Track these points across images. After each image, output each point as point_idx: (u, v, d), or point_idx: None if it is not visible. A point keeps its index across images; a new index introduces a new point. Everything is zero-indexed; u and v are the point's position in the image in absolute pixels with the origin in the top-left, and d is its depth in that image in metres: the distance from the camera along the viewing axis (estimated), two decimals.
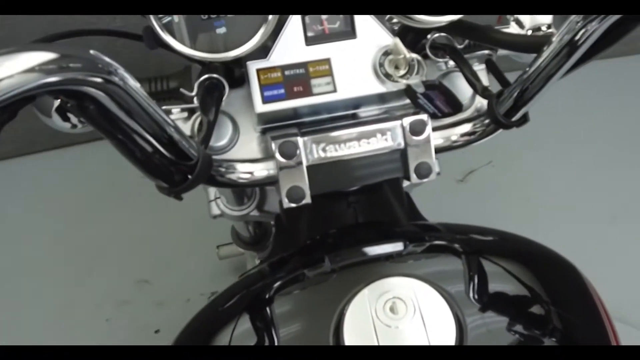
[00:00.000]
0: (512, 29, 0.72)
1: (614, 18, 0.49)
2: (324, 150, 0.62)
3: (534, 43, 0.58)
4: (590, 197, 1.93)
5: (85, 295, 1.75)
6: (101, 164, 1.83)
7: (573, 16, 0.52)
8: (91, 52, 0.42)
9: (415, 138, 0.62)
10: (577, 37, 0.52)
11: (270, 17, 0.59)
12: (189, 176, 0.56)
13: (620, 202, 1.93)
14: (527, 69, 0.58)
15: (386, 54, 0.62)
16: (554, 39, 0.54)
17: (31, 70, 0.37)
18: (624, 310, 1.77)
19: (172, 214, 1.71)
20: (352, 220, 0.69)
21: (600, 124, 2.08)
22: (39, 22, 1.46)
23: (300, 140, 0.61)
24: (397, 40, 0.60)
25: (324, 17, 0.62)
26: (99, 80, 0.41)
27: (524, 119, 0.63)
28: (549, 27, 0.71)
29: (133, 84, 0.46)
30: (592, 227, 1.87)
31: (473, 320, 0.57)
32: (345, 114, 0.66)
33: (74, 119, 0.65)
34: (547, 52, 0.55)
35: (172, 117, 0.64)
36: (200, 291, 1.74)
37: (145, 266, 1.81)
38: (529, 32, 0.72)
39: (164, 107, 0.63)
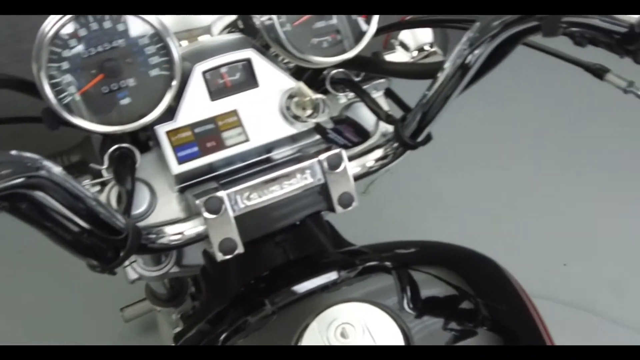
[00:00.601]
0: (399, 52, 0.80)
1: (496, 43, 0.57)
2: (248, 199, 0.65)
3: (428, 70, 0.66)
4: (485, 189, 2.13)
5: None
6: None
7: (460, 45, 0.60)
8: (13, 153, 0.44)
9: (334, 172, 0.67)
10: (466, 62, 0.61)
11: (174, 82, 0.62)
12: (121, 250, 0.58)
13: (512, 189, 2.14)
14: (426, 92, 0.66)
15: (291, 97, 0.67)
16: (446, 65, 0.63)
17: None
18: (537, 287, 1.96)
19: (59, 283, 1.66)
20: (283, 259, 0.73)
21: (487, 119, 2.28)
22: None
23: (223, 194, 0.64)
24: (301, 84, 0.66)
25: (223, 70, 0.66)
26: (30, 179, 0.43)
27: (428, 138, 0.71)
28: (431, 45, 0.80)
29: (57, 170, 0.48)
30: (491, 215, 2.06)
31: (416, 326, 0.64)
32: (261, 159, 0.70)
33: None
34: (442, 77, 0.63)
35: None
36: None
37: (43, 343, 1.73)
38: (415, 53, 0.80)
39: None
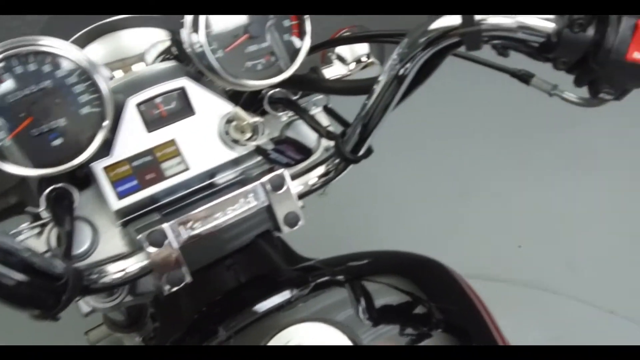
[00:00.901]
0: (337, 65, 0.79)
1: (423, 59, 0.58)
2: (191, 228, 0.64)
3: (363, 86, 0.66)
4: (438, 182, 2.17)
5: None
6: None
7: (390, 60, 0.60)
8: None
9: (277, 193, 0.66)
10: (398, 76, 0.61)
11: (106, 121, 0.60)
12: (62, 295, 0.56)
13: (465, 180, 2.19)
14: (364, 107, 0.66)
15: (229, 121, 0.66)
16: (379, 79, 0.62)
17: None
18: (494, 270, 1.99)
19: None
20: (234, 283, 0.72)
21: (437, 117, 2.31)
22: None
23: (166, 226, 0.62)
24: (238, 109, 0.64)
25: (158, 100, 0.64)
26: None
27: (369, 151, 0.70)
28: (368, 57, 0.80)
29: None
30: (447, 205, 2.09)
31: (369, 337, 0.64)
32: (204, 185, 0.68)
33: None
34: (376, 92, 0.63)
35: (24, 235, 0.63)
36: None
37: None
38: (353, 65, 0.80)
39: (13, 232, 0.62)
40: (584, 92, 0.58)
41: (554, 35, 0.52)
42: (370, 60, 0.80)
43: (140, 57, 0.75)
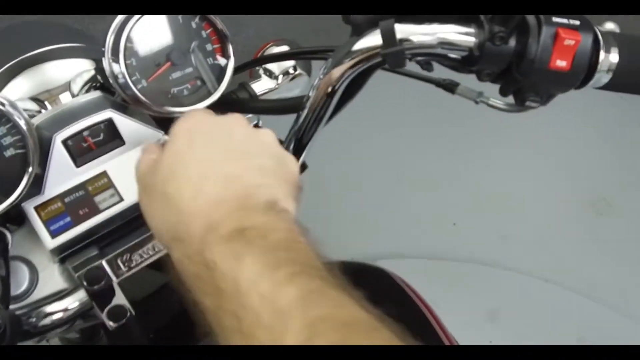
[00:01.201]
0: (265, 79, 0.77)
1: (349, 79, 0.56)
2: (129, 260, 0.61)
3: (293, 104, 0.64)
4: (373, 169, 2.17)
5: None
6: None
7: (318, 79, 0.58)
8: None
9: None
10: (326, 94, 0.59)
11: (30, 169, 0.56)
12: (2, 343, 0.52)
13: (398, 167, 2.20)
14: (296, 121, 0.64)
15: None
16: (310, 94, 0.60)
17: None
18: (431, 249, 2.02)
19: None
20: (180, 307, 0.69)
21: (365, 101, 2.30)
22: None
23: (103, 262, 0.59)
24: (166, 137, 0.61)
25: (85, 133, 0.61)
26: None
27: (304, 166, 0.68)
28: (294, 68, 0.78)
29: None
30: (382, 191, 2.11)
31: None
32: (140, 214, 0.65)
33: None
34: (306, 110, 0.62)
35: None
36: None
37: None
38: (281, 78, 0.77)
39: None
40: (510, 98, 0.57)
41: (476, 49, 0.51)
42: (297, 72, 0.78)
43: (66, 87, 0.71)
